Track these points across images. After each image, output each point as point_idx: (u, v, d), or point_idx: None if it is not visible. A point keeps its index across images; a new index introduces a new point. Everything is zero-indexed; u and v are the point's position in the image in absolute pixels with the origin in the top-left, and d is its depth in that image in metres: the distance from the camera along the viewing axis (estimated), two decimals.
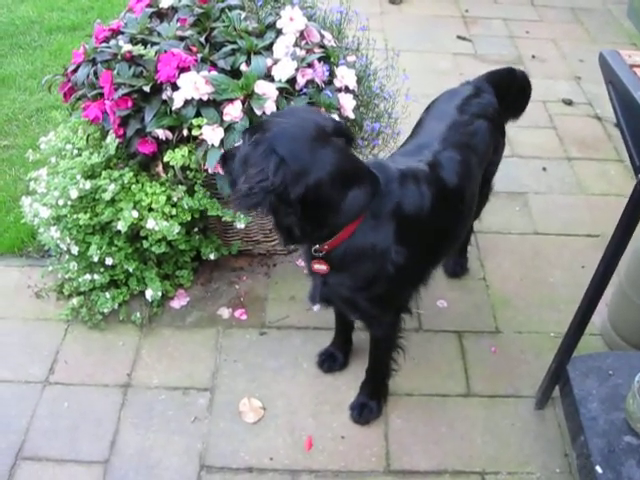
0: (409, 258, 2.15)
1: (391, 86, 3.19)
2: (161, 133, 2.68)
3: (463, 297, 3.15)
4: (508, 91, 2.80)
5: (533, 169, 3.94)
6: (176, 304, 3.08)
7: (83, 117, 2.75)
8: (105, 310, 2.92)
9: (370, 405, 2.64)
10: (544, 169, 3.94)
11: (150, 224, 2.72)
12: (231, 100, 2.66)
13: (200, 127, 2.65)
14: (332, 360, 2.82)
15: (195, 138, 2.70)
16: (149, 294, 2.91)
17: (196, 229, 3.02)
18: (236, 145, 2.45)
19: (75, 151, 2.89)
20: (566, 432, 2.54)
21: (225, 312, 3.06)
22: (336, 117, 2.72)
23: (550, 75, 4.85)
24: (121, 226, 2.70)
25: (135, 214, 2.71)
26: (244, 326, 3.01)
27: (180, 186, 2.81)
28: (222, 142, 2.62)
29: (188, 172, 2.78)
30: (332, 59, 2.86)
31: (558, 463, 2.54)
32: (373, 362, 2.61)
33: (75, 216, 2.73)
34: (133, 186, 2.77)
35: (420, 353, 2.89)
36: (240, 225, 2.87)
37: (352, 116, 2.82)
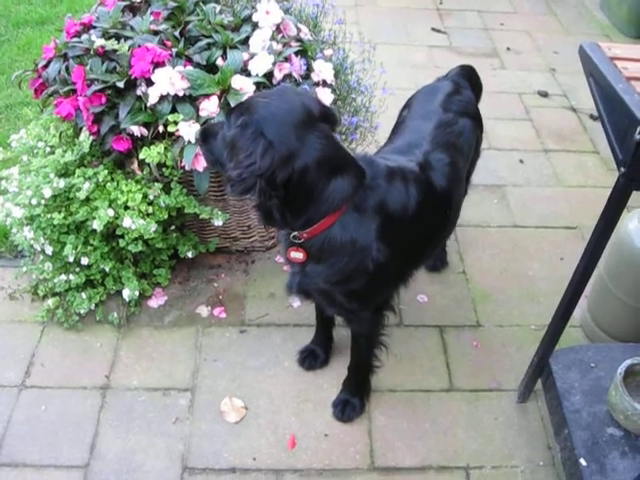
0: (390, 257, 2.13)
1: (368, 79, 3.16)
2: (136, 130, 2.63)
3: (443, 291, 3.15)
4: (475, 87, 2.80)
5: (510, 161, 3.94)
6: (154, 303, 3.03)
7: (55, 114, 2.68)
8: (81, 311, 2.86)
9: (353, 402, 2.62)
10: (521, 161, 3.95)
11: (126, 222, 2.67)
12: (207, 95, 2.62)
13: (176, 123, 2.61)
14: (313, 357, 2.79)
15: (171, 134, 2.65)
16: (126, 294, 2.86)
17: (173, 227, 2.98)
18: (216, 122, 2.40)
19: (48, 149, 2.83)
20: (549, 425, 2.55)
21: (204, 310, 3.02)
22: None
23: (525, 67, 4.87)
24: (97, 225, 2.64)
25: (111, 213, 2.65)
26: (223, 324, 2.97)
27: (156, 184, 2.76)
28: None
29: (164, 169, 2.73)
30: (309, 53, 2.83)
31: (542, 456, 2.54)
32: (355, 359, 2.59)
33: (49, 215, 2.66)
34: (108, 184, 2.71)
35: (402, 349, 2.88)
36: (218, 222, 2.83)
37: None
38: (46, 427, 2.56)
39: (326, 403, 2.67)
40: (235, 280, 3.18)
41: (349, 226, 2.04)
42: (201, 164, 2.62)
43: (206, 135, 2.10)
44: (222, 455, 2.49)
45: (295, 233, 2.08)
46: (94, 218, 2.67)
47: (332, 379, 2.76)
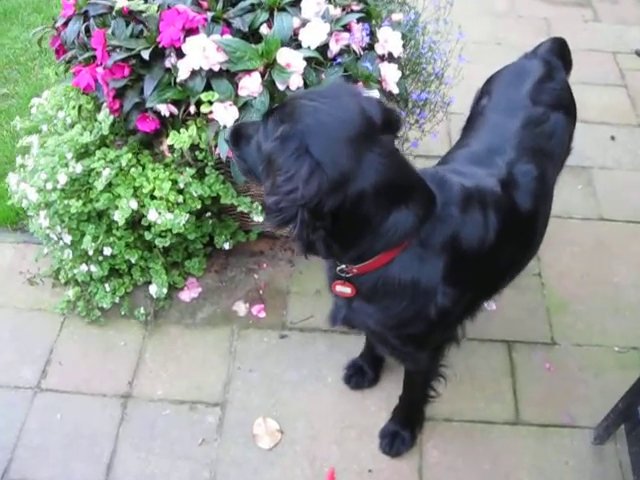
0: (457, 300, 1.74)
1: (442, 44, 2.67)
2: (164, 109, 2.24)
3: (515, 298, 2.73)
4: (567, 65, 2.31)
5: (599, 138, 3.41)
6: (186, 296, 2.71)
7: (73, 85, 2.31)
8: (104, 305, 2.56)
9: (403, 435, 2.29)
10: (612, 138, 3.42)
11: (152, 216, 2.33)
12: (248, 71, 2.20)
13: (210, 103, 2.21)
14: (361, 375, 2.45)
15: (205, 114, 2.26)
16: (153, 290, 2.55)
17: (209, 214, 2.62)
18: (252, 121, 2.00)
19: (68, 119, 2.47)
20: (629, 475, 2.18)
21: (241, 307, 2.69)
22: (376, 93, 2.25)
23: (623, 20, 4.21)
24: (118, 217, 2.31)
25: (134, 205, 2.31)
26: (262, 326, 2.64)
27: (188, 169, 2.38)
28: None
29: (197, 152, 2.36)
30: (373, 19, 2.36)
31: None
32: (408, 393, 2.25)
33: (66, 202, 2.33)
34: (132, 169, 2.36)
35: (463, 367, 2.50)
36: (258, 218, 2.46)
37: (396, 90, 2.34)
38: (60, 440, 2.31)
39: (372, 431, 2.34)
40: (278, 272, 2.83)
41: (411, 265, 1.65)
42: None
43: (238, 137, 1.69)
44: None
45: (343, 267, 1.70)
46: (117, 207, 2.33)
47: (381, 401, 2.43)
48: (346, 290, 1.75)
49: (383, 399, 2.42)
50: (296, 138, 1.45)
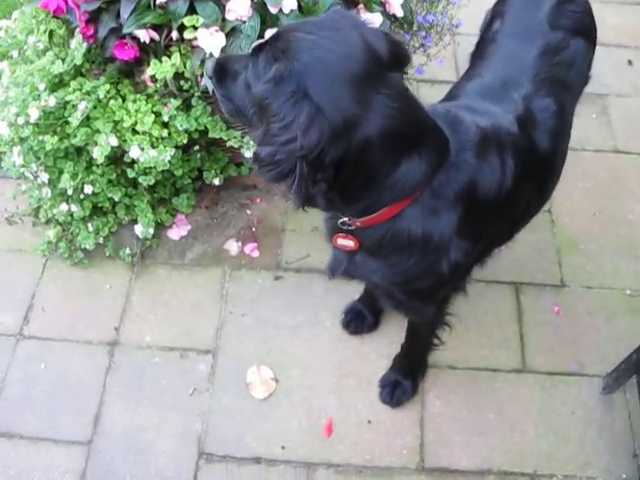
0: (470, 253, 1.59)
1: None
2: (143, 35, 2.02)
3: (524, 236, 2.50)
4: None
5: (616, 62, 3.17)
6: (174, 234, 2.56)
7: (41, 7, 2.07)
8: (87, 246, 2.40)
9: (404, 384, 2.19)
10: (630, 63, 3.18)
11: (134, 152, 2.14)
12: None
13: (195, 28, 1.99)
14: (360, 320, 2.32)
15: (189, 40, 2.04)
16: (139, 230, 2.39)
17: (196, 147, 2.42)
18: (238, 55, 1.78)
19: (40, 45, 2.24)
20: (638, 426, 2.10)
21: (233, 246, 2.54)
22: (379, 17, 2.03)
23: None
24: (97, 154, 2.12)
25: (114, 141, 2.12)
26: (256, 266, 2.49)
27: (173, 100, 2.18)
28: (224, 52, 1.96)
29: (182, 82, 2.15)
30: None
31: (625, 466, 2.11)
32: (411, 342, 2.13)
33: (40, 138, 2.14)
34: (112, 101, 2.15)
35: (468, 311, 2.35)
36: (249, 154, 2.27)
37: (400, 13, 2.11)
38: (45, 390, 2.21)
39: (372, 380, 2.24)
40: (272, 207, 2.66)
41: (422, 218, 1.47)
42: None
43: (222, 74, 1.47)
44: (245, 440, 2.12)
45: (345, 219, 1.53)
46: (95, 143, 2.14)
47: (381, 347, 2.31)
48: (348, 243, 1.59)
49: (384, 345, 2.31)
50: (293, 79, 1.25)
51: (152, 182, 2.26)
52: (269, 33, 1.95)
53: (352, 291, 2.37)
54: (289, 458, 2.09)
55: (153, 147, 2.16)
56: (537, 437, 2.15)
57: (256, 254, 2.52)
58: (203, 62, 2.01)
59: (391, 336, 2.32)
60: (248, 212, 2.64)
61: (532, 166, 1.66)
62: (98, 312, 2.37)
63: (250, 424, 2.15)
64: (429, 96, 2.68)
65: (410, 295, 1.71)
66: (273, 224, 2.61)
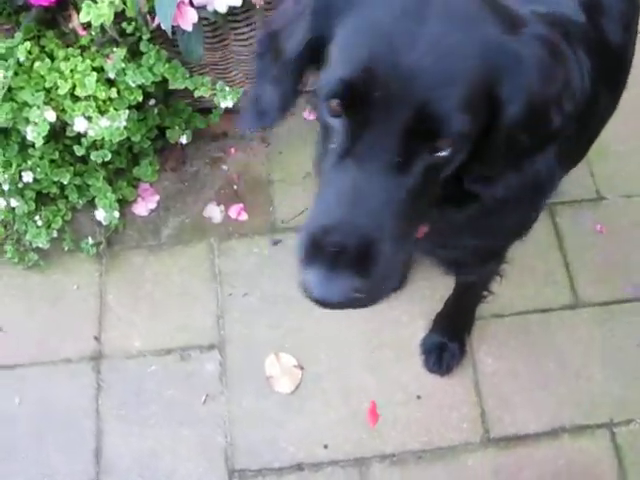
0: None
1: None
2: None
3: None
4: None
5: None
6: (142, 209, 2.12)
7: None
8: (40, 244, 1.95)
9: (450, 346, 1.88)
10: None
11: (79, 125, 1.68)
12: None
13: None
14: None
15: None
16: (101, 216, 1.94)
17: (152, 101, 1.95)
18: None
19: None
20: None
21: (215, 212, 2.13)
22: None
23: None
24: (31, 135, 1.66)
25: (51, 116, 1.64)
26: (247, 233, 2.10)
27: (116, 49, 1.70)
28: None
29: (125, 24, 1.67)
30: None
31: None
32: (461, 301, 1.80)
33: None
34: (37, 64, 1.66)
35: None
36: (225, 104, 1.83)
37: None
38: (28, 430, 1.83)
39: (410, 347, 1.92)
40: (252, 156, 2.23)
41: None
42: (188, 19, 1.57)
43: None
44: (280, 445, 1.80)
45: None
46: (27, 122, 1.67)
47: (413, 307, 1.98)
48: None
49: (416, 303, 1.98)
50: None
51: (108, 157, 1.80)
52: None
53: None
54: (335, 457, 1.78)
55: (102, 113, 1.70)
56: (606, 381, 1.89)
57: (244, 217, 2.11)
58: None
59: (422, 290, 1.99)
60: (224, 167, 2.21)
61: (606, 63, 1.29)
62: (70, 321, 1.95)
63: (281, 425, 1.82)
64: None
65: (485, 257, 1.37)
66: (257, 177, 2.19)
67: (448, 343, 1.87)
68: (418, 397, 1.86)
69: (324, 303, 0.89)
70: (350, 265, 0.86)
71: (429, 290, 1.97)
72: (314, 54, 0.93)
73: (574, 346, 1.93)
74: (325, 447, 1.79)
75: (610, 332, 1.95)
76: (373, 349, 1.92)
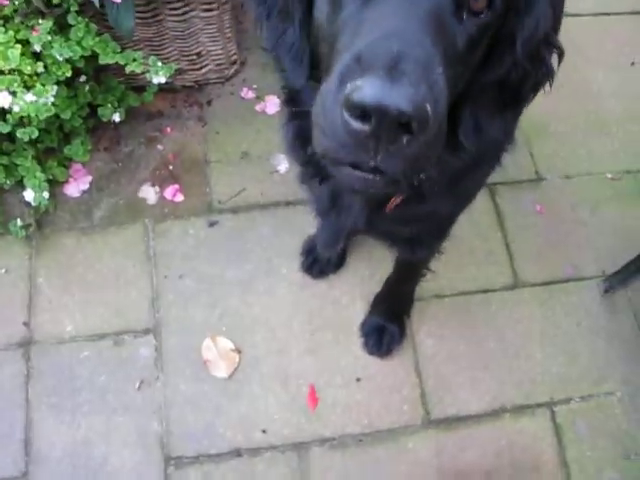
0: None
1: None
2: None
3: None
4: None
5: None
6: (73, 190, 2.04)
7: None
8: None
9: (390, 328, 1.86)
10: None
11: (3, 100, 1.59)
12: None
13: None
14: (323, 259, 1.94)
15: None
16: (30, 196, 1.86)
17: (83, 77, 1.88)
18: None
19: None
20: None
21: (150, 193, 2.07)
22: None
23: None
24: None
25: None
26: (183, 214, 2.04)
27: (42, 20, 1.62)
28: None
29: None
30: None
31: None
32: (400, 280, 1.77)
33: None
34: None
35: None
36: (158, 79, 1.76)
37: None
38: None
39: (350, 328, 1.90)
40: (188, 136, 2.17)
41: None
42: None
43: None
44: (217, 431, 1.76)
45: None
46: None
47: (353, 288, 1.96)
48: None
49: (355, 285, 1.96)
50: None
51: (35, 135, 1.72)
52: None
53: (305, 223, 1.97)
54: (274, 442, 1.75)
55: (28, 88, 1.61)
56: (546, 360, 1.90)
57: (180, 198, 2.06)
58: None
59: (362, 271, 1.97)
60: (159, 147, 2.14)
61: None
62: None
63: (219, 410, 1.77)
64: None
65: (441, 228, 1.39)
66: (193, 156, 2.13)
67: (388, 325, 1.85)
68: (358, 380, 1.83)
69: (384, 112, 0.68)
70: (418, 72, 0.71)
71: (368, 270, 1.95)
72: None
73: (514, 326, 1.94)
74: (263, 432, 1.75)
75: (550, 311, 1.97)
76: (312, 331, 1.88)
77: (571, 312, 1.97)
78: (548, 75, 0.97)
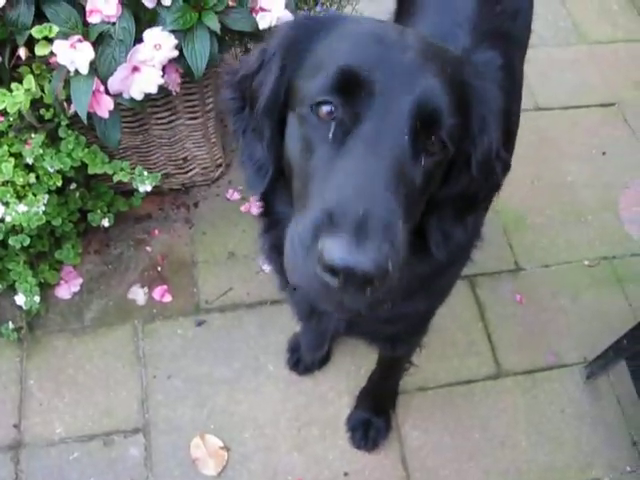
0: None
1: None
2: None
3: None
4: None
5: None
6: (64, 292, 2.10)
7: None
8: None
9: (376, 422, 1.88)
10: None
11: None
12: None
13: (49, 41, 1.54)
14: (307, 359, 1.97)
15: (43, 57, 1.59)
16: (21, 300, 1.91)
17: (73, 184, 1.97)
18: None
19: None
20: (629, 409, 1.91)
21: (139, 294, 2.12)
22: None
23: None
24: None
25: None
26: (171, 314, 2.09)
27: (34, 134, 1.72)
28: (94, 67, 1.54)
29: (43, 110, 1.70)
30: None
31: (627, 457, 1.93)
32: (386, 376, 1.81)
33: None
34: None
35: None
36: (145, 187, 1.85)
37: None
38: None
39: (337, 424, 1.92)
40: (175, 237, 2.25)
41: None
42: (104, 106, 1.60)
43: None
44: None
45: None
46: None
47: (339, 383, 1.99)
48: None
49: (341, 380, 1.99)
50: None
51: (27, 242, 1.80)
52: (149, 35, 1.54)
53: (291, 321, 2.01)
54: None
55: (20, 199, 1.70)
56: (531, 448, 1.91)
57: (168, 298, 2.11)
58: (68, 82, 1.57)
59: (347, 366, 2.00)
60: (148, 249, 2.21)
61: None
62: None
63: None
64: None
65: (419, 325, 1.45)
66: (181, 258, 2.20)
67: (373, 419, 1.87)
68: (345, 474, 1.84)
69: (351, 273, 0.78)
70: (380, 233, 0.80)
71: (354, 366, 1.99)
72: (287, 95, 0.98)
73: (498, 415, 1.96)
74: None
75: (534, 400, 1.99)
76: (299, 427, 1.90)
77: (555, 399, 1.99)
78: (498, 185, 1.06)
